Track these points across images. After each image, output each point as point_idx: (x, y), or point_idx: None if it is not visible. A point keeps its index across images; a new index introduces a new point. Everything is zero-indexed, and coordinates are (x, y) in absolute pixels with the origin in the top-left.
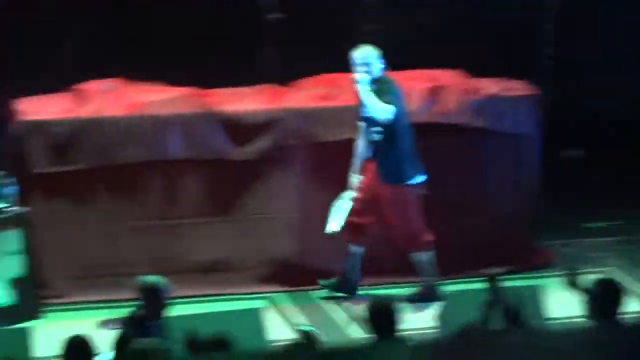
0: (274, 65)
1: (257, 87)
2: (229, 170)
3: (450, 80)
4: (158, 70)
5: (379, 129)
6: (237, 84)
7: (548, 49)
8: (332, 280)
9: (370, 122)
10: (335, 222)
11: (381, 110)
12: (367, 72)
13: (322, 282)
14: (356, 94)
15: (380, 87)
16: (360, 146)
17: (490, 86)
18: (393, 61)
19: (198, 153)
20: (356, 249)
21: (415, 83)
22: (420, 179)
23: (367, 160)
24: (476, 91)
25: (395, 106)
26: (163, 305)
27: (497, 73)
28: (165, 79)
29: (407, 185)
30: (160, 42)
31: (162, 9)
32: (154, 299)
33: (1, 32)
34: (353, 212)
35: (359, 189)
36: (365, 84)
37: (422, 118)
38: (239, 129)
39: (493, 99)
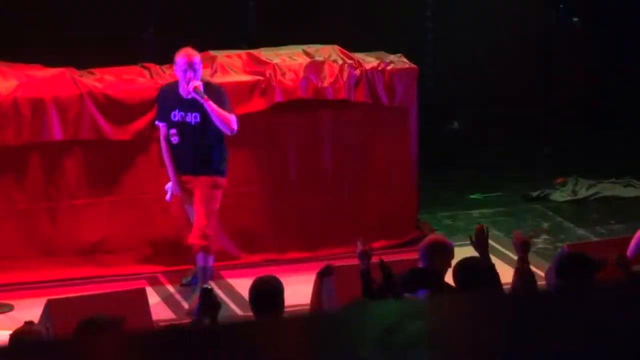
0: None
1: (135, 67)
2: (107, 151)
3: (328, 55)
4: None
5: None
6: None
7: (429, 22)
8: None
9: (182, 124)
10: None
11: (231, 122)
12: (195, 77)
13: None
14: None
15: (218, 95)
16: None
17: (368, 60)
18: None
19: (75, 134)
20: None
21: (294, 59)
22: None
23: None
24: (354, 65)
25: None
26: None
27: (375, 47)
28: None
29: (214, 177)
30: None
31: None
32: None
33: None
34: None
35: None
36: (202, 92)
37: (301, 94)
38: (116, 108)
39: (371, 73)
